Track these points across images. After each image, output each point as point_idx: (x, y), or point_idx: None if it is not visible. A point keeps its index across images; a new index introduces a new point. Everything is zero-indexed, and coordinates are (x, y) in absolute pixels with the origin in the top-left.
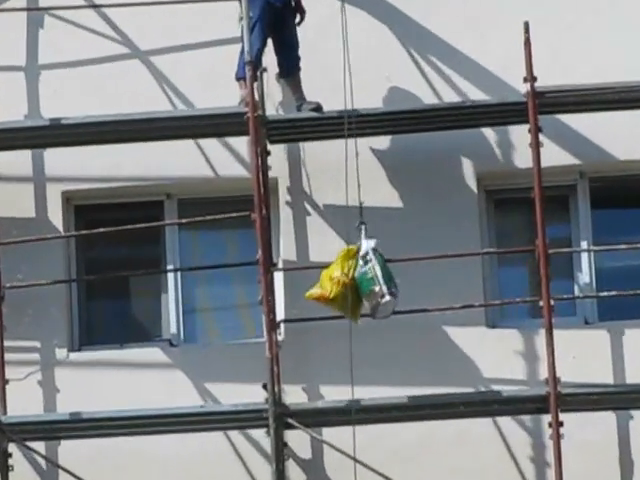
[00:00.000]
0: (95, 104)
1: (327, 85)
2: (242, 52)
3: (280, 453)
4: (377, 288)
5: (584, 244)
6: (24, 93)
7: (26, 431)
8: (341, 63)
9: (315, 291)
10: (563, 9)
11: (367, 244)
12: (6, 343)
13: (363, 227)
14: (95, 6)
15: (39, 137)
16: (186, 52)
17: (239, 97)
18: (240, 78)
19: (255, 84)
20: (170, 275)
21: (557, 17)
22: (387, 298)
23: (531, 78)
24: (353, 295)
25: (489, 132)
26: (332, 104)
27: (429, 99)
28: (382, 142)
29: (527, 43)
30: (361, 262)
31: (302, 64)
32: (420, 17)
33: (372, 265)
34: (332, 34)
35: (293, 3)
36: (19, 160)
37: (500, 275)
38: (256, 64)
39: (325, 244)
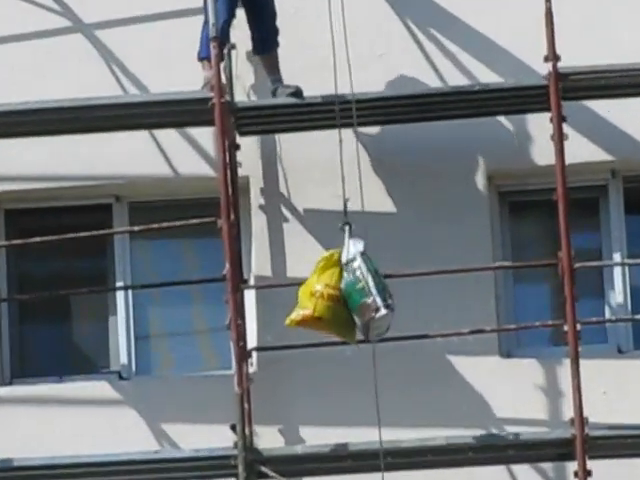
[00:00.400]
0: (29, 88)
1: (310, 65)
2: (205, 25)
3: None
4: (370, 300)
5: (617, 257)
6: None
7: None
8: (327, 39)
9: (296, 314)
10: None
11: (354, 247)
12: None
13: (348, 228)
14: None
15: None
16: (139, 25)
17: (203, 80)
18: (203, 58)
19: (222, 64)
20: (119, 294)
21: None
22: (383, 312)
23: (553, 57)
24: (344, 310)
25: (503, 122)
26: (315, 88)
27: (431, 82)
28: (374, 134)
29: (548, 14)
30: (347, 270)
31: (280, 39)
32: None
33: (362, 273)
34: (316, 3)
35: None
36: None
37: (516, 294)
38: (223, 40)
39: (305, 256)
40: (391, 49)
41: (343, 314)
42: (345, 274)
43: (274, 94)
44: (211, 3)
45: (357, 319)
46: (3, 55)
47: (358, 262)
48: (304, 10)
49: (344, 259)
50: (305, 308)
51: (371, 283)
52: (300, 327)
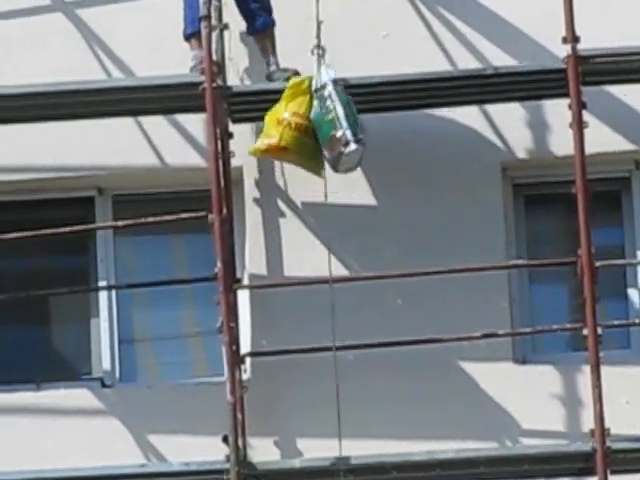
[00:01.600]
0: (5, 71)
1: (306, 46)
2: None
3: None
4: (339, 133)
5: None
6: None
7: None
8: (326, 17)
9: (261, 142)
10: None
11: (326, 75)
12: None
13: (319, 52)
14: None
15: None
16: (124, 4)
17: (191, 61)
18: (190, 35)
19: (213, 45)
20: (102, 294)
21: None
22: (352, 147)
23: (572, 38)
24: (311, 141)
25: (518, 109)
26: (312, 70)
27: (440, 65)
28: (379, 121)
29: None
30: (317, 98)
31: (276, 17)
32: None
33: (332, 102)
34: None
35: None
36: None
37: (532, 295)
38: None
39: (304, 254)
40: (396, 29)
41: (310, 145)
42: (315, 103)
43: (270, 78)
44: None
45: (326, 152)
46: None
47: (329, 90)
48: None
49: (314, 86)
50: (271, 137)
51: (341, 114)
52: (264, 156)
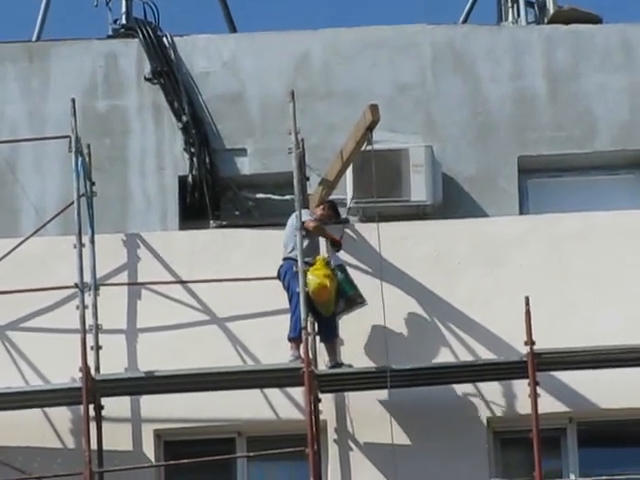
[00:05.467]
0: (181, 360)
1: (368, 345)
2: (292, 317)
3: None
4: (359, 293)
5: (572, 476)
6: (125, 350)
7: None
8: (379, 329)
9: (322, 282)
10: (559, 285)
11: (334, 261)
12: None
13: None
14: (182, 282)
15: (136, 386)
16: (252, 319)
17: (291, 357)
18: (292, 339)
19: (309, 344)
20: None
21: (554, 292)
22: (365, 304)
23: (530, 342)
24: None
25: (496, 385)
26: (370, 362)
27: (448, 357)
28: (409, 392)
29: (527, 314)
30: (337, 270)
31: (348, 331)
32: (442, 293)
33: (347, 275)
34: (373, 304)
35: None
36: (120, 404)
37: None
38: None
39: (365, 475)
40: (421, 335)
41: (333, 294)
42: (338, 272)
43: (332, 367)
44: (303, 307)
45: (342, 303)
46: (167, 338)
47: (343, 269)
48: (364, 311)
49: (332, 264)
50: (323, 282)
51: (354, 283)
52: (317, 291)
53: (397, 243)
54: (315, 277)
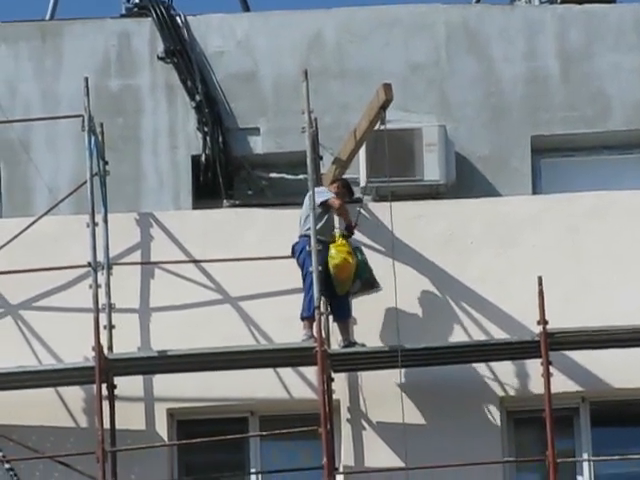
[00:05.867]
0: (194, 339)
1: (381, 325)
2: (305, 296)
3: None
4: (374, 278)
5: (585, 455)
6: (137, 330)
7: None
8: (392, 309)
9: (347, 258)
10: (573, 265)
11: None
12: None
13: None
14: (195, 261)
15: (149, 365)
16: (265, 299)
17: (304, 336)
18: (305, 318)
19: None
20: (253, 477)
21: (568, 271)
22: (381, 289)
23: (543, 322)
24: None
25: (509, 364)
26: (383, 341)
27: (461, 337)
28: (423, 371)
29: (540, 294)
30: (356, 251)
31: (361, 311)
32: (454, 272)
33: (365, 257)
34: (386, 284)
35: None
36: (133, 384)
37: (518, 479)
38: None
39: (378, 453)
40: (434, 314)
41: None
42: (358, 253)
43: (345, 347)
44: (316, 286)
45: (359, 283)
46: (180, 317)
47: (362, 251)
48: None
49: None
50: (347, 259)
51: (370, 266)
52: (341, 267)
53: (410, 223)
54: (339, 252)
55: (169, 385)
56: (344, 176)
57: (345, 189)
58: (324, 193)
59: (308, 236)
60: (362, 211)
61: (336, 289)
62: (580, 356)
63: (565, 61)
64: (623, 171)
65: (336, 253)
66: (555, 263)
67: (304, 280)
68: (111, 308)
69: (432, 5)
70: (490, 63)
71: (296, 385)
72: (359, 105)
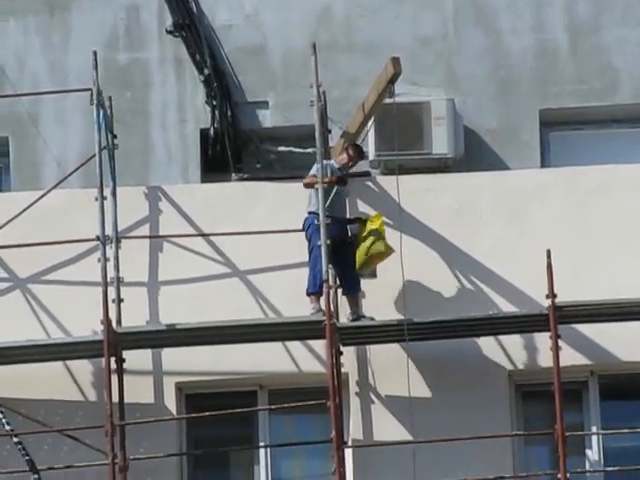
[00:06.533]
0: (203, 312)
1: (390, 298)
2: (311, 271)
3: None
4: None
5: (594, 428)
6: (146, 303)
7: None
8: (401, 282)
9: (391, 248)
10: (582, 238)
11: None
12: None
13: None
14: (203, 235)
15: (158, 339)
16: (274, 272)
17: (312, 310)
18: (312, 293)
19: (331, 297)
20: (262, 451)
21: (577, 244)
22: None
23: (552, 295)
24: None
25: (518, 338)
26: (392, 315)
27: (469, 310)
28: (432, 345)
29: (549, 267)
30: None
31: (369, 284)
32: (464, 246)
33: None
34: (393, 260)
35: (350, 236)
36: (141, 357)
37: (526, 452)
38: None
39: (387, 427)
40: (442, 288)
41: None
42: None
43: (354, 320)
44: (325, 260)
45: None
46: (188, 291)
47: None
48: (383, 265)
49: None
50: (387, 248)
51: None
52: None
53: (418, 196)
54: (384, 239)
55: (178, 359)
56: None
57: (354, 152)
58: (328, 167)
59: (314, 212)
60: (370, 184)
61: (357, 267)
62: (589, 329)
63: (573, 34)
64: (632, 144)
65: (382, 242)
66: (564, 236)
67: (310, 254)
68: (120, 282)
69: None
70: (498, 36)
71: (305, 359)
72: (367, 79)
